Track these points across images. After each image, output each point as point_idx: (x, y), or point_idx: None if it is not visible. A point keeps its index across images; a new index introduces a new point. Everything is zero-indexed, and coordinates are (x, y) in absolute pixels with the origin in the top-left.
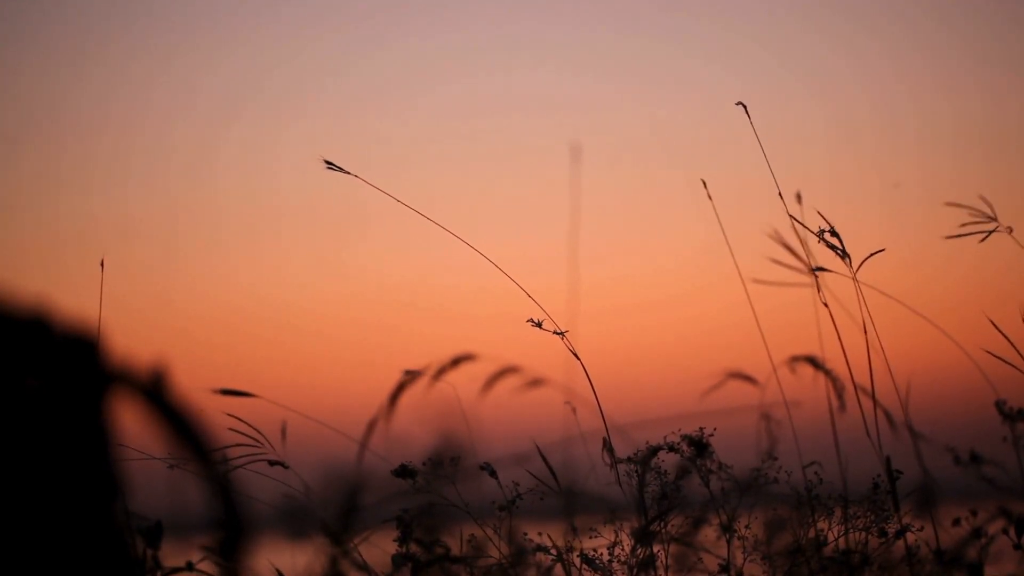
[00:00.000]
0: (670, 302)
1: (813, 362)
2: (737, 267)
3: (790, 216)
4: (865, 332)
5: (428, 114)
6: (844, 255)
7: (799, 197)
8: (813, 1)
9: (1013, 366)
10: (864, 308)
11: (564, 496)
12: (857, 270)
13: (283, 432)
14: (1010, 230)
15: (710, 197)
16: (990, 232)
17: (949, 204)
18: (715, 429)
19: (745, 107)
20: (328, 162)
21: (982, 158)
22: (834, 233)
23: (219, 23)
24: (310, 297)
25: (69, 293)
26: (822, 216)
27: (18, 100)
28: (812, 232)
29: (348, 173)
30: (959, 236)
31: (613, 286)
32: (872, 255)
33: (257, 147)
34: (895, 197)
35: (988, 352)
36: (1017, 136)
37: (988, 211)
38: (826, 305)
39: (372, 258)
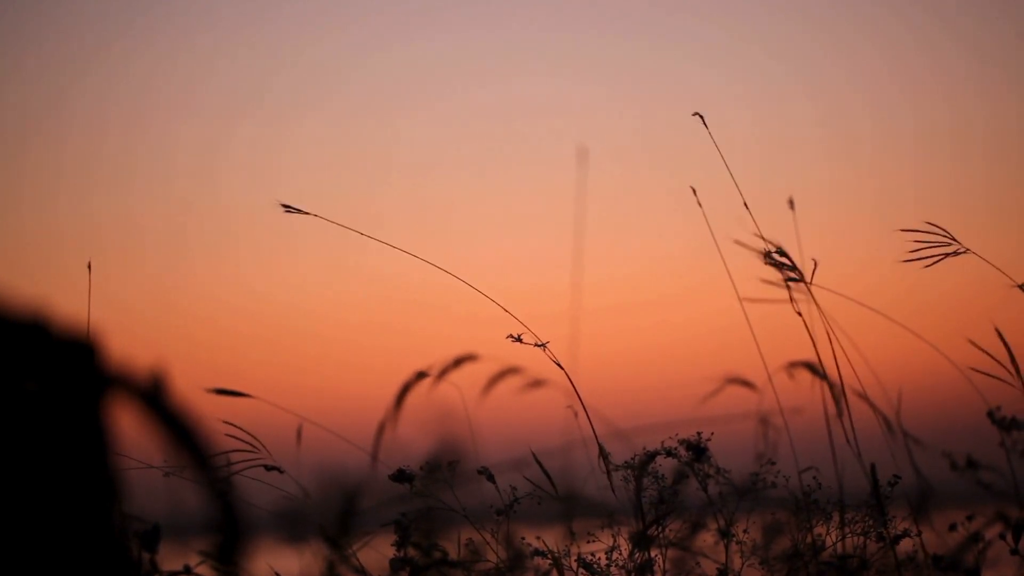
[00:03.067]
0: (667, 305)
1: (810, 367)
2: (729, 274)
3: (737, 242)
4: (830, 341)
5: (432, 117)
6: (793, 268)
7: (791, 203)
8: (809, 6)
9: (1000, 379)
10: (824, 318)
11: (562, 500)
12: (811, 282)
13: (298, 435)
14: (966, 251)
15: (700, 204)
16: (945, 255)
17: (904, 230)
18: (712, 433)
19: (702, 117)
20: (286, 206)
21: (978, 160)
22: (782, 252)
23: (227, 23)
24: (311, 299)
25: (72, 296)
26: (763, 239)
27: (22, 99)
28: (756, 251)
29: (307, 214)
30: (912, 260)
31: (610, 289)
32: (814, 270)
33: (262, 149)
34: (890, 202)
35: (974, 369)
36: (1012, 137)
37: (941, 235)
38: (800, 314)
39: (373, 259)
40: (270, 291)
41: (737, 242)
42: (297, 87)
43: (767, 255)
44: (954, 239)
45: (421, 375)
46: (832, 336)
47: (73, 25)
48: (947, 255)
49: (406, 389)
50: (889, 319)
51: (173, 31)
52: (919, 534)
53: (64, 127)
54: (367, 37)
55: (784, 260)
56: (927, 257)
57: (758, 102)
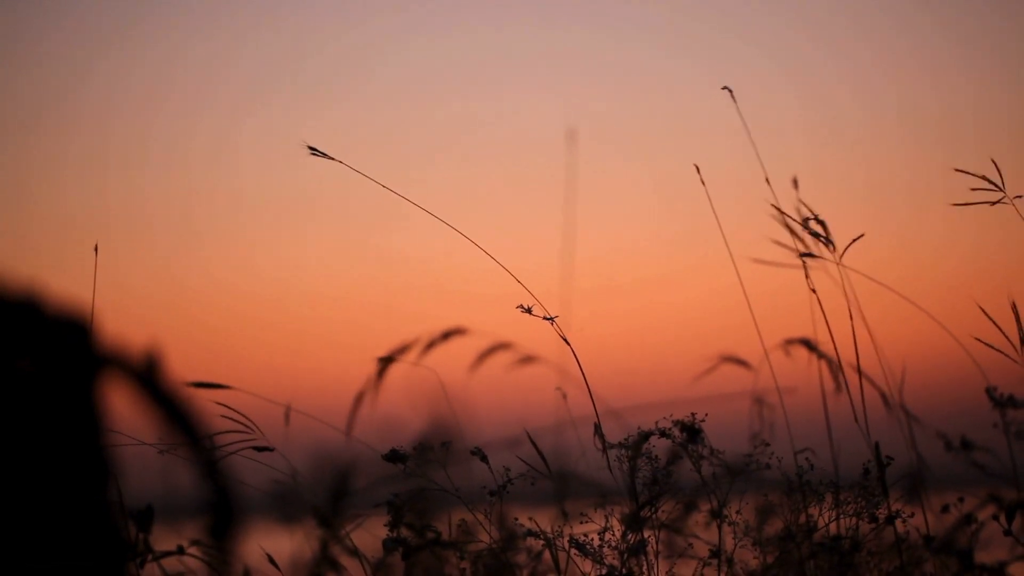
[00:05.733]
0: (663, 285)
1: (808, 344)
2: (729, 252)
3: (774, 206)
4: (851, 318)
5: (433, 102)
6: (828, 242)
7: (796, 183)
8: None
9: (1003, 352)
10: (850, 294)
11: (555, 481)
12: (842, 256)
13: (286, 417)
14: (1018, 196)
15: (703, 182)
16: (997, 200)
17: (957, 170)
18: (707, 414)
19: (731, 91)
20: (312, 148)
21: (969, 146)
22: (819, 221)
23: (246, 11)
24: (317, 285)
25: (80, 279)
26: (804, 204)
27: (31, 86)
28: (797, 221)
29: (332, 159)
30: (967, 204)
31: (606, 269)
32: (855, 240)
33: (273, 138)
34: (885, 185)
35: (978, 340)
36: (1003, 123)
37: (996, 179)
38: (814, 291)
39: (377, 244)
40: (276, 274)
41: (775, 207)
42: (309, 79)
43: (805, 221)
44: (1002, 188)
45: (405, 348)
46: (853, 311)
47: (91, 8)
48: (998, 200)
49: (388, 360)
50: (901, 295)
51: (191, 18)
52: (912, 515)
53: (77, 112)
54: (382, 31)
55: (820, 229)
56: (978, 202)
57: (746, 87)
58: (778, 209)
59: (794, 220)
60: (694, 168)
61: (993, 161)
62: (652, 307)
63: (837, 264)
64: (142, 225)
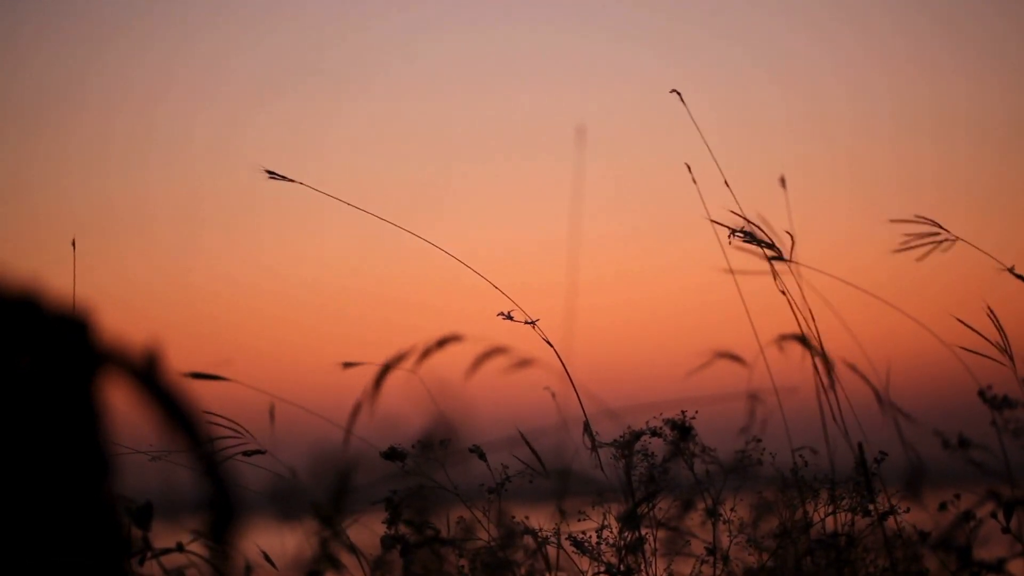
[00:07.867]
0: (660, 281)
1: (802, 341)
2: (723, 251)
3: (714, 221)
4: (812, 318)
5: (434, 100)
6: (771, 247)
7: (783, 181)
8: None
9: (988, 357)
10: (801, 299)
11: (553, 479)
12: (791, 258)
13: (271, 415)
14: (956, 239)
15: (694, 181)
16: (936, 245)
17: (894, 221)
18: (696, 412)
19: (679, 94)
20: (270, 172)
21: (960, 140)
22: (751, 236)
23: (245, 8)
24: (319, 278)
25: (78, 274)
26: (735, 214)
27: (34, 79)
28: (729, 230)
29: (292, 181)
30: (904, 250)
31: (603, 265)
32: (792, 247)
33: (267, 131)
34: (875, 182)
35: (963, 348)
36: (993, 117)
37: (930, 227)
38: (784, 292)
39: (373, 237)
40: (277, 269)
41: (714, 221)
42: (316, 76)
43: (732, 233)
44: (943, 228)
45: (400, 357)
46: (813, 314)
47: (94, 2)
48: (937, 244)
49: (385, 370)
50: (875, 296)
51: (200, 8)
52: (908, 510)
53: (79, 105)
54: (385, 29)
55: (752, 242)
56: (918, 247)
57: (737, 83)
58: (717, 222)
59: (730, 230)
60: (685, 166)
61: (920, 216)
62: (652, 303)
63: (789, 266)
64: (144, 220)
